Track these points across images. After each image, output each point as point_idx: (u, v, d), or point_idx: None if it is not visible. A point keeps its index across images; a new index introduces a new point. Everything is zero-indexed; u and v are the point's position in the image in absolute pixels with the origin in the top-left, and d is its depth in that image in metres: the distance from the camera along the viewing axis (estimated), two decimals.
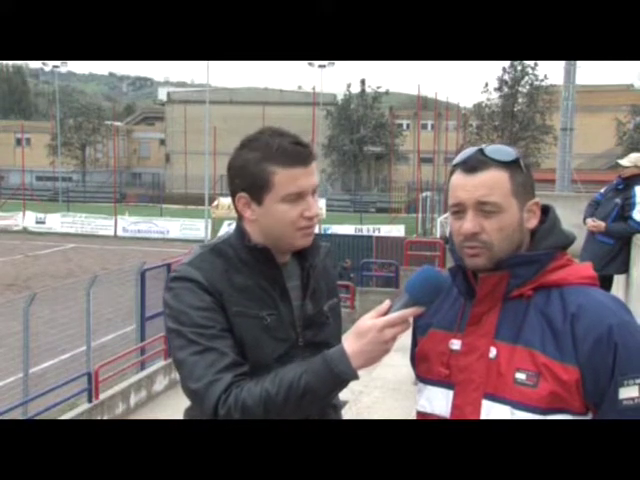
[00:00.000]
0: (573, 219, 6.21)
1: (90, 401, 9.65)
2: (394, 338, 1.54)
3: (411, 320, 1.57)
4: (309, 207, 1.66)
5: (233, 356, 1.59)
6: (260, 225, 1.70)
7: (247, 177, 1.67)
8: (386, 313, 1.55)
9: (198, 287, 1.65)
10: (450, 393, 1.61)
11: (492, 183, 1.55)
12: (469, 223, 1.55)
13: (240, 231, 1.74)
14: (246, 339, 1.64)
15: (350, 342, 1.55)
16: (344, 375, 1.52)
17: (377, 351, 1.53)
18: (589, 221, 6.22)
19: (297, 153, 1.64)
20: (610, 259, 6.09)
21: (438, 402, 1.63)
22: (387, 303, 1.56)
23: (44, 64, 62.61)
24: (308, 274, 1.78)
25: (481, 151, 1.58)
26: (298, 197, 1.65)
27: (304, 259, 1.78)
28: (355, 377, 1.55)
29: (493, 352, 1.55)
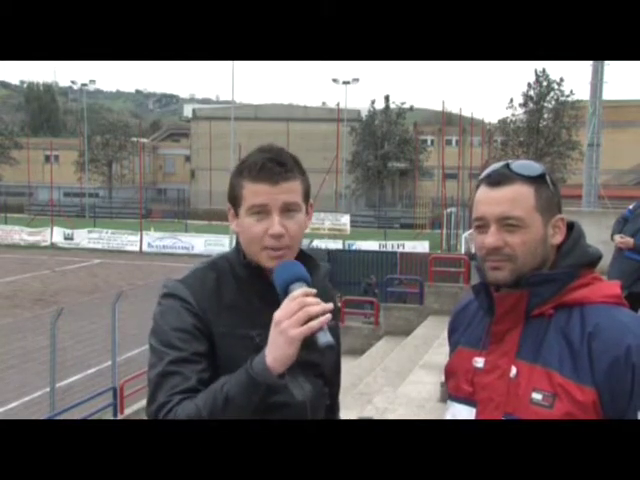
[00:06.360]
0: (600, 235, 6.15)
1: (115, 416, 9.71)
2: (293, 327, 1.46)
3: (306, 307, 1.48)
4: (272, 225, 1.65)
5: (194, 382, 1.57)
6: (240, 238, 1.74)
7: (230, 189, 1.74)
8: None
9: (183, 306, 1.66)
10: (473, 411, 1.60)
11: (516, 197, 1.54)
12: (491, 237, 1.55)
13: (238, 245, 1.76)
14: (235, 359, 1.59)
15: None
16: (259, 377, 1.48)
17: (280, 343, 1.47)
18: (617, 237, 6.14)
19: (265, 170, 1.66)
20: (638, 276, 6.00)
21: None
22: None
23: (73, 82, 63.64)
24: None
25: (507, 166, 1.58)
26: (262, 212, 1.66)
27: None
28: (270, 378, 1.48)
29: (513, 371, 1.54)
